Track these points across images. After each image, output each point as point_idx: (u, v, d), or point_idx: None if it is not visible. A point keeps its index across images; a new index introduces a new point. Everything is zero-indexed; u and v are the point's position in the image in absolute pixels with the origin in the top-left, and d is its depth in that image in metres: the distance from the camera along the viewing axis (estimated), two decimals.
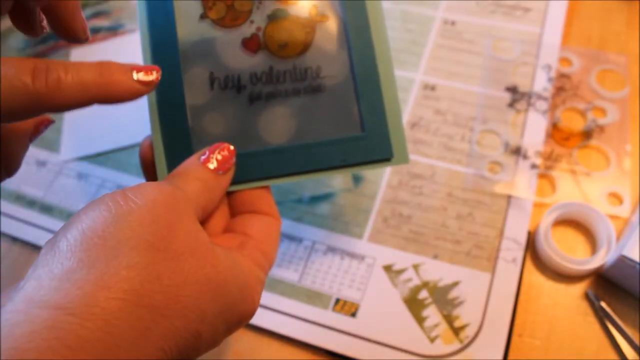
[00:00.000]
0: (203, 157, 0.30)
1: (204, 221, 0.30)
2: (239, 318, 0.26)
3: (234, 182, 0.31)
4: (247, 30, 0.32)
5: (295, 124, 0.32)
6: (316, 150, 0.32)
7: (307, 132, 0.32)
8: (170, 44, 0.32)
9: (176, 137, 0.31)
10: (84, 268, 0.21)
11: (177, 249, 0.23)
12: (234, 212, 0.32)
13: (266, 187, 0.32)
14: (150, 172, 0.32)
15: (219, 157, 0.30)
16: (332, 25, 0.33)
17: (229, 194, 0.32)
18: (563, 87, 0.46)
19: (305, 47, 0.32)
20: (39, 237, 0.45)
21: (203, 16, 0.32)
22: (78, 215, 0.23)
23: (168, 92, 0.32)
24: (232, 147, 0.31)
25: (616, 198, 0.41)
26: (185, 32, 0.32)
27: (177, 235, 0.24)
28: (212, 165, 0.29)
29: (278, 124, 0.32)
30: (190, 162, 0.29)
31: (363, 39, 0.32)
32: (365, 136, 0.32)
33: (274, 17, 0.32)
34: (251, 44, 0.32)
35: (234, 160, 0.30)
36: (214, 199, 0.29)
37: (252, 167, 0.31)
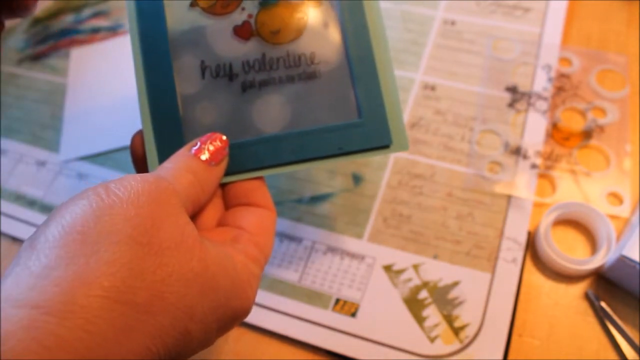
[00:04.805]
0: (194, 148, 0.29)
1: (196, 214, 0.29)
2: (232, 315, 0.25)
3: (228, 173, 0.30)
4: (238, 17, 0.32)
5: (289, 111, 0.32)
6: (312, 138, 0.31)
7: (302, 119, 0.31)
8: (159, 33, 0.31)
9: (167, 128, 0.31)
10: (62, 265, 0.20)
11: (161, 242, 0.22)
12: (228, 205, 0.31)
13: (261, 179, 0.31)
14: (141, 166, 0.31)
15: (211, 148, 0.29)
16: (325, 10, 0.32)
17: (222, 186, 0.31)
18: (563, 87, 0.46)
19: (298, 33, 0.32)
20: None
21: (193, 4, 0.32)
22: (59, 210, 0.23)
23: (158, 82, 0.31)
24: (224, 137, 0.30)
25: (616, 198, 0.41)
26: (174, 20, 0.32)
27: (162, 228, 0.23)
28: (204, 156, 0.28)
29: (272, 112, 0.31)
30: (181, 154, 0.28)
31: (357, 23, 0.32)
32: (362, 122, 0.31)
33: (265, 4, 0.32)
34: (243, 32, 0.32)
35: (227, 150, 0.30)
36: (206, 192, 0.28)
37: (246, 157, 0.31)
